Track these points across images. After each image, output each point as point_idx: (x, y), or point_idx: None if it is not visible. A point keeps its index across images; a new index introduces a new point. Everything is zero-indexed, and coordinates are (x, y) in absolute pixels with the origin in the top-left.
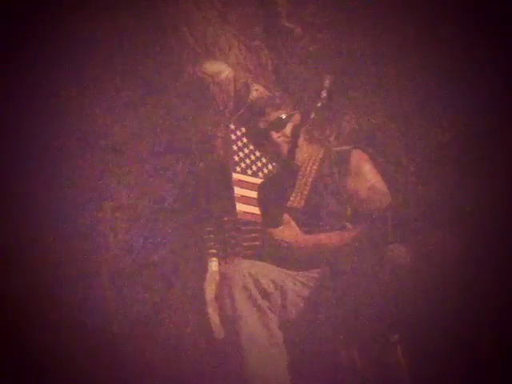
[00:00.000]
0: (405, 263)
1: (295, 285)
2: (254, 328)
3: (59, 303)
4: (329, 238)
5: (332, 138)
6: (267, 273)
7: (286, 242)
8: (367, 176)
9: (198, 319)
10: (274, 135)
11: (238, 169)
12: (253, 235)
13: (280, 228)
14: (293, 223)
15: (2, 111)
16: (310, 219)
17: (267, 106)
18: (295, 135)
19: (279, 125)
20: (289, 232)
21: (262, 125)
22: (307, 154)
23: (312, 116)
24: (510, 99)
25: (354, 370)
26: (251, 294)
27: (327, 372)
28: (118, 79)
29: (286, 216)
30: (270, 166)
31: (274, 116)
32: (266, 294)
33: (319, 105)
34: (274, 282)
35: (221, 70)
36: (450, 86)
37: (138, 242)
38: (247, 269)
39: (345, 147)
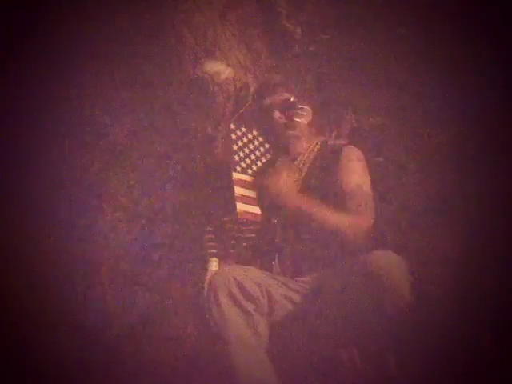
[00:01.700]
0: (382, 268)
1: (281, 288)
2: (242, 330)
3: (59, 303)
4: (323, 212)
5: (332, 138)
6: (252, 277)
7: (278, 191)
8: (356, 174)
9: (198, 319)
10: (277, 114)
11: (239, 168)
12: (253, 235)
13: (276, 176)
14: (290, 176)
15: (1, 112)
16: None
17: (279, 85)
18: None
19: (285, 106)
20: (284, 182)
21: (267, 101)
22: (303, 148)
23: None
24: (510, 99)
25: (348, 370)
26: (236, 297)
27: (316, 373)
28: (117, 79)
29: (286, 165)
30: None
31: (282, 96)
32: (251, 297)
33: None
34: (259, 285)
35: (221, 70)
36: (450, 85)
37: (138, 242)
38: (231, 273)
39: (339, 142)
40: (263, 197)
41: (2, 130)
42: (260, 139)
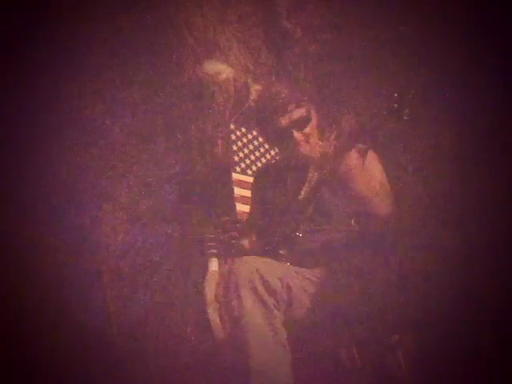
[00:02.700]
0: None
1: (302, 282)
2: (259, 326)
3: (59, 303)
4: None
5: (332, 138)
6: (274, 270)
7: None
8: (379, 175)
9: (198, 319)
10: (296, 134)
11: (238, 169)
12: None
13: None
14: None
15: (1, 111)
16: (317, 215)
17: (289, 102)
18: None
19: (302, 123)
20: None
21: (284, 122)
22: (318, 150)
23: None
24: (510, 99)
25: (354, 369)
26: (257, 290)
27: (329, 371)
28: (117, 79)
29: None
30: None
31: (297, 114)
32: (272, 291)
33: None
34: (280, 279)
35: (221, 70)
36: (450, 85)
37: (138, 242)
38: (254, 265)
39: (360, 146)
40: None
41: (2, 129)
42: (260, 139)
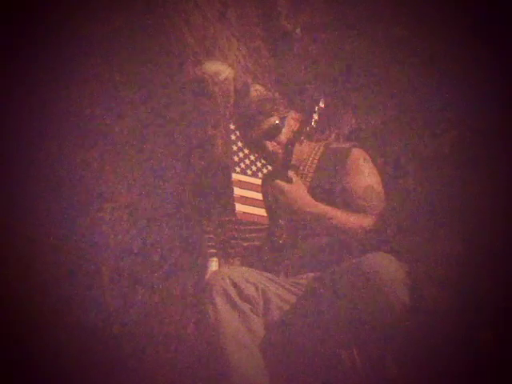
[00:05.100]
0: (382, 271)
1: (278, 289)
2: (237, 331)
3: (59, 303)
4: (334, 212)
5: (331, 139)
6: (248, 277)
7: (293, 198)
8: (366, 175)
9: (197, 319)
10: (269, 144)
11: (238, 169)
12: (253, 235)
13: (290, 184)
14: (301, 184)
15: (1, 111)
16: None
17: (259, 113)
18: (292, 141)
19: (273, 133)
20: (297, 190)
21: (254, 134)
22: (306, 153)
23: (314, 118)
24: (510, 99)
25: (342, 371)
26: (231, 297)
27: (311, 373)
28: (117, 79)
29: (292, 174)
30: (269, 167)
31: (266, 124)
32: (246, 298)
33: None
34: (255, 285)
35: (221, 70)
36: (450, 86)
37: (137, 242)
38: (227, 274)
39: (345, 145)
40: (276, 203)
41: (2, 129)
42: None
